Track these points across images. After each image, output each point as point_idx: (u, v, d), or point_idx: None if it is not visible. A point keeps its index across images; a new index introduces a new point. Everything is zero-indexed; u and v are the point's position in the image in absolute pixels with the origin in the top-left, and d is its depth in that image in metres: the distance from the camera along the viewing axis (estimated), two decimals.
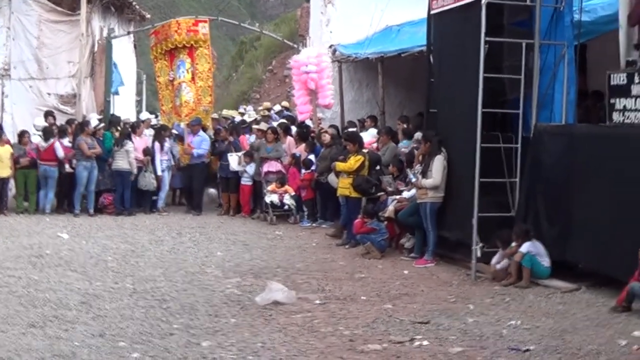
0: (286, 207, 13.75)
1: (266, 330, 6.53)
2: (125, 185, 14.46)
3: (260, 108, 18.83)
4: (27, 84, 17.28)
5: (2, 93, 17.27)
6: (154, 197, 15.05)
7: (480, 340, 6.24)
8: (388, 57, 14.64)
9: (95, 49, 17.87)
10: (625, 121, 7.82)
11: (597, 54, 9.93)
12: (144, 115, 17.74)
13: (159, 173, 14.80)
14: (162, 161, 14.85)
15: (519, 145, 9.01)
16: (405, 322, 6.82)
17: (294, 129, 15.05)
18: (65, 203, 14.62)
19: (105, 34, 18.08)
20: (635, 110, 7.73)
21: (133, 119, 18.08)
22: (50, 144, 14.14)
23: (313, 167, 13.49)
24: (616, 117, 7.96)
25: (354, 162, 11.26)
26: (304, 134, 14.41)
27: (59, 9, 17.50)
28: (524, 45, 8.84)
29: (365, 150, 11.69)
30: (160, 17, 25.61)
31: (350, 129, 13.65)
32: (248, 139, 15.30)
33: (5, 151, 13.95)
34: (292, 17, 28.62)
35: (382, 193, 11.27)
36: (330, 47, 16.77)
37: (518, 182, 9.01)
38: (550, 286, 8.19)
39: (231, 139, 15.14)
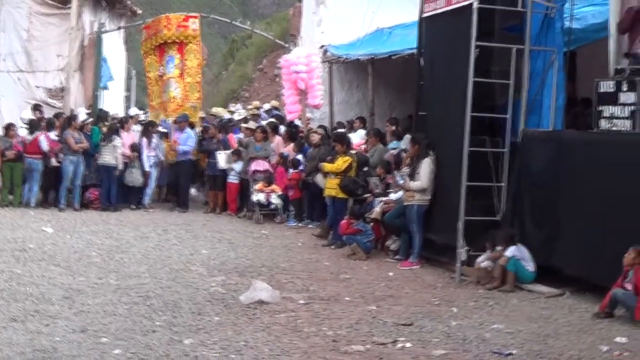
0: (273, 206, 13.70)
1: (249, 329, 6.51)
2: (112, 181, 14.38)
3: (250, 107, 18.79)
4: (16, 76, 17.11)
5: None
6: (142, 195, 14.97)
7: (463, 344, 6.26)
8: (379, 59, 14.66)
9: (85, 43, 17.75)
10: (613, 128, 7.90)
11: (587, 61, 9.99)
12: (133, 110, 17.68)
13: (147, 169, 14.73)
14: (149, 157, 14.77)
15: (506, 150, 9.05)
16: (388, 323, 6.82)
17: (282, 128, 15.03)
18: (50, 197, 14.53)
19: (95, 28, 18.00)
20: (623, 117, 7.80)
21: (121, 114, 18.00)
22: (35, 137, 14.03)
23: (301, 167, 13.46)
24: (604, 124, 8.04)
25: (341, 163, 11.27)
26: (293, 134, 14.38)
27: (50, 1, 17.35)
28: (514, 50, 8.87)
29: (353, 152, 11.70)
30: (151, 14, 25.44)
31: (339, 130, 13.64)
32: (236, 138, 15.27)
33: None
34: (284, 17, 28.52)
35: (369, 194, 11.28)
36: (322, 47, 16.75)
37: (505, 186, 9.05)
38: (534, 291, 8.24)
39: (220, 136, 15.10)
